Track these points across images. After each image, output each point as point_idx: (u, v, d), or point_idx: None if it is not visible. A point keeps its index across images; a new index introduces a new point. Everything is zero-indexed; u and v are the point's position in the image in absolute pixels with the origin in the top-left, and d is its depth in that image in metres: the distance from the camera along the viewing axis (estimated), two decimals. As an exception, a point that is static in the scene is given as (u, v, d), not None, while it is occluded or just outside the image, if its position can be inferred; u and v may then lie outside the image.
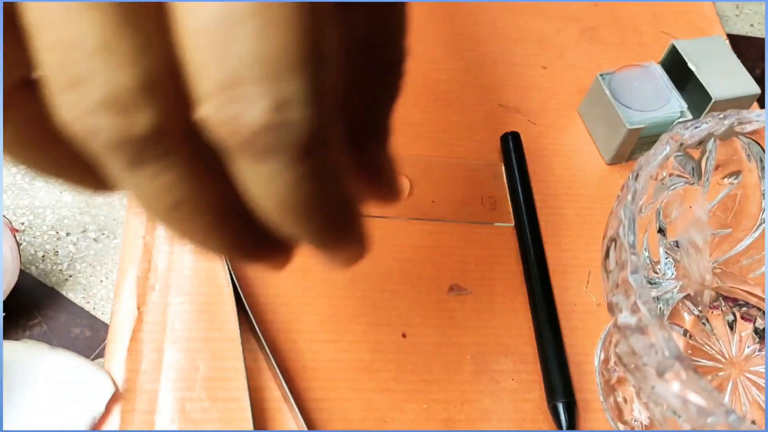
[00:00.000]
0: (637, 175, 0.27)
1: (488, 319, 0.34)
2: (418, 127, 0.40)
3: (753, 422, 0.30)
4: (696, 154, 0.30)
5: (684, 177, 0.31)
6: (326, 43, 0.13)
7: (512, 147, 0.39)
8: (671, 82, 0.40)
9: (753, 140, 0.31)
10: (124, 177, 0.14)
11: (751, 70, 0.51)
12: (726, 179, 0.32)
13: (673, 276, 0.32)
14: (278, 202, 0.15)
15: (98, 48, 0.12)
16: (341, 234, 0.17)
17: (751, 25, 0.54)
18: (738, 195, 0.32)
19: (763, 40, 0.53)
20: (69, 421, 0.29)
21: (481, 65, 0.44)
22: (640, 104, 0.39)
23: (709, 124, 0.29)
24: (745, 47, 0.52)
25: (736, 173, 0.31)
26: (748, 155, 0.31)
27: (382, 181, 0.21)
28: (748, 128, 0.30)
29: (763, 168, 0.32)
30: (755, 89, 0.39)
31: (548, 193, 0.39)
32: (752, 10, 0.55)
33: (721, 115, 0.29)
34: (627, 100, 0.39)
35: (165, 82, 0.13)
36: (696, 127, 0.29)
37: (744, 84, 0.39)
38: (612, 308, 0.26)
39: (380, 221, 0.36)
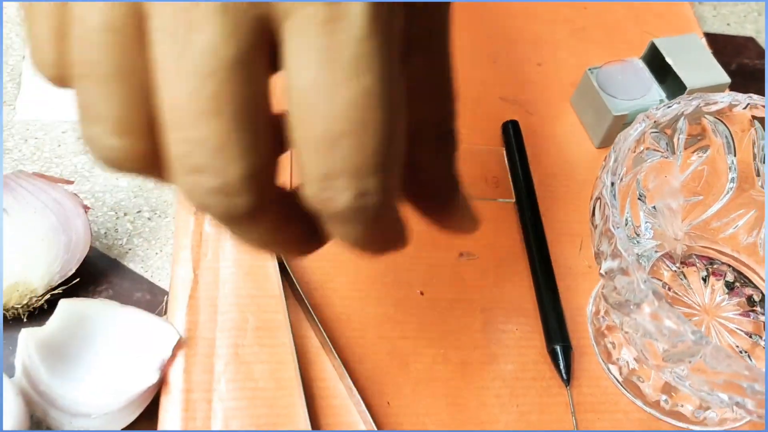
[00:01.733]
0: (618, 147, 0.32)
1: (494, 280, 0.39)
2: (429, 118, 0.45)
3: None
4: (669, 131, 0.36)
5: (659, 151, 0.36)
6: (400, 140, 0.18)
7: (512, 133, 0.44)
8: (652, 75, 0.45)
9: (718, 119, 0.36)
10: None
11: (727, 64, 0.57)
12: (696, 153, 0.37)
13: (651, 236, 0.37)
14: (353, 242, 0.20)
15: (217, 146, 0.17)
16: (390, 245, 0.22)
17: (728, 24, 0.59)
18: (706, 167, 0.37)
19: (737, 37, 0.59)
20: (141, 366, 0.34)
21: (483, 63, 0.49)
22: (624, 94, 0.44)
23: (680, 105, 0.35)
24: (722, 45, 0.57)
25: (705, 148, 0.37)
26: (715, 132, 0.36)
27: (463, 217, 0.28)
28: (714, 108, 0.35)
29: (728, 144, 0.37)
30: (725, 79, 0.44)
31: (545, 174, 0.44)
32: (728, 11, 0.60)
33: (690, 98, 0.35)
34: (613, 91, 0.44)
35: (265, 173, 0.18)
36: (668, 108, 0.34)
37: (715, 75, 0.44)
38: (598, 256, 0.31)
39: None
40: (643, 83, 0.45)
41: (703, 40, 0.53)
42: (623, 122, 0.44)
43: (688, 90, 0.43)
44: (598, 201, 0.31)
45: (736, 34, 0.59)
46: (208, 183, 0.17)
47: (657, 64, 0.45)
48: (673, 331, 0.27)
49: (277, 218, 0.20)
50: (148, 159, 0.18)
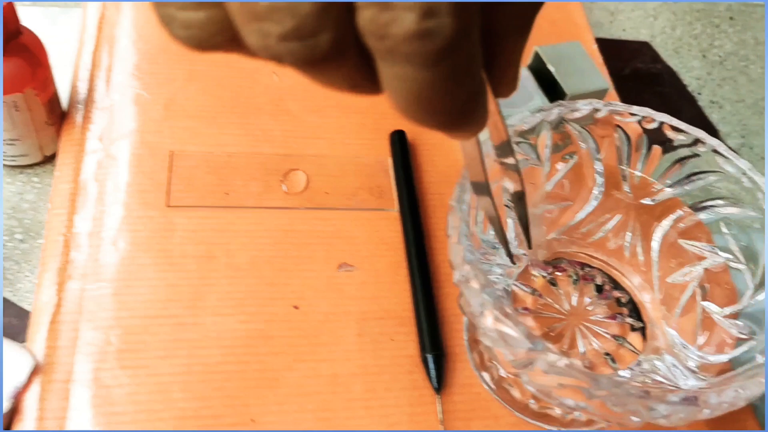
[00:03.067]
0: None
1: (373, 291, 0.39)
2: (316, 130, 0.45)
3: (585, 364, 0.35)
4: (533, 139, 0.36)
5: (527, 158, 0.37)
6: None
7: (398, 143, 0.44)
8: (536, 83, 0.46)
9: (582, 126, 0.36)
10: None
11: (621, 69, 0.57)
12: (563, 160, 0.37)
13: (515, 243, 0.37)
14: (411, 95, 0.16)
15: None
16: (463, 120, 0.18)
17: (624, 30, 0.60)
18: (574, 173, 0.37)
19: (631, 42, 0.60)
20: (-5, 393, 0.33)
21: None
22: (507, 104, 0.45)
23: (542, 113, 0.35)
24: (616, 50, 0.58)
25: (572, 154, 0.37)
26: (580, 139, 0.37)
27: (509, 74, 0.21)
28: (576, 115, 0.36)
29: (593, 150, 0.37)
30: (604, 84, 0.45)
31: (432, 183, 0.44)
32: (625, 17, 0.61)
33: (552, 106, 0.35)
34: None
35: (336, 6, 0.14)
36: (531, 116, 0.34)
37: (594, 81, 0.45)
38: (452, 266, 0.31)
39: (280, 212, 0.41)
40: (526, 91, 0.45)
41: (595, 47, 0.54)
42: (506, 129, 0.44)
43: (568, 97, 0.44)
44: (452, 210, 0.31)
45: (632, 39, 0.60)
46: (275, 29, 0.15)
47: (540, 72, 0.46)
48: (513, 339, 0.27)
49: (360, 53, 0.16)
50: (226, 29, 0.16)
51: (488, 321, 0.28)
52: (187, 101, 0.45)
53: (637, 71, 0.57)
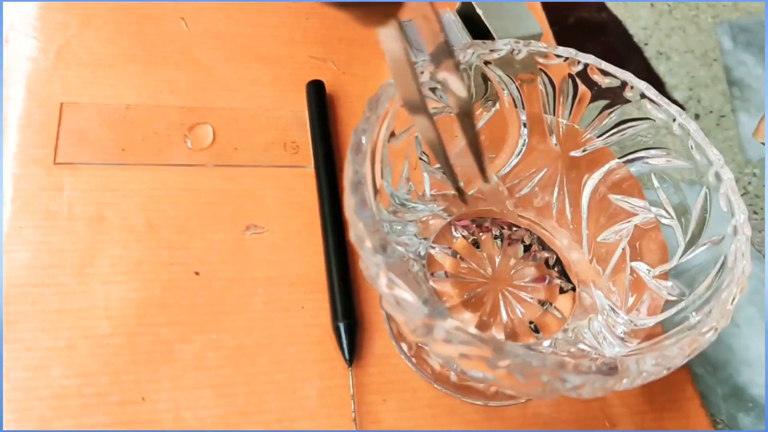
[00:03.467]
0: (377, 101, 0.29)
1: (283, 254, 0.36)
2: (226, 81, 0.41)
3: (507, 332, 0.33)
4: (451, 84, 0.33)
5: (442, 107, 0.33)
6: None
7: (315, 94, 0.41)
8: (465, 29, 0.42)
9: (502, 70, 0.33)
10: None
11: (565, 19, 0.54)
12: (483, 107, 0.34)
13: (434, 200, 0.34)
14: None
15: None
16: None
17: (569, -23, 0.57)
18: (494, 123, 0.34)
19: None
20: None
21: (294, 20, 0.45)
22: (435, 49, 0.41)
23: (457, 54, 0.32)
24: (561, -2, 0.55)
25: (493, 100, 0.34)
26: (500, 83, 0.33)
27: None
28: (495, 56, 0.32)
29: (519, 95, 0.34)
30: (537, 29, 0.41)
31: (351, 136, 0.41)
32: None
33: (466, 45, 0.32)
34: (423, 47, 0.41)
35: None
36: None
37: (527, 25, 0.42)
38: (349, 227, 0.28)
39: (182, 169, 0.37)
40: (453, 37, 0.42)
41: (535, -7, 0.51)
42: (434, 79, 0.41)
43: (497, 42, 0.40)
44: (347, 161, 0.28)
45: (577, -14, 0.56)
46: None
47: (469, 16, 0.42)
48: (408, 304, 0.24)
49: None
50: None
51: (383, 284, 0.25)
52: (82, 48, 0.40)
53: (582, 21, 0.54)
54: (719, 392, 0.38)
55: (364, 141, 0.27)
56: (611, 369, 0.24)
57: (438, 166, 0.34)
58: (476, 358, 0.24)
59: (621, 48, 0.54)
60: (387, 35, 0.25)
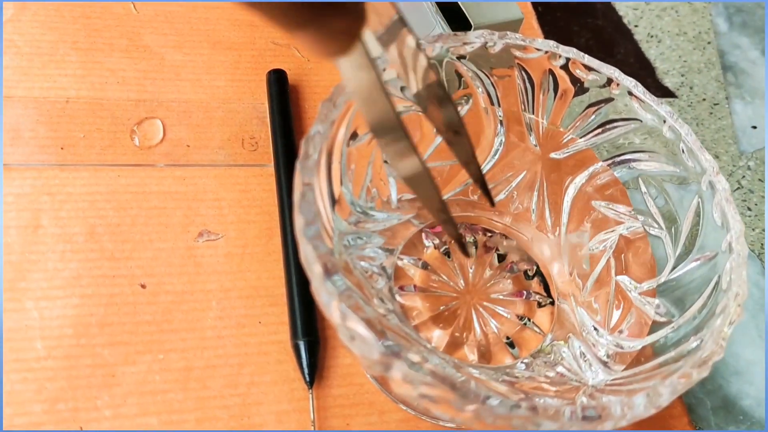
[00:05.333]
0: (334, 102, 0.26)
1: (239, 264, 0.33)
2: (178, 70, 0.38)
3: (482, 350, 0.30)
4: (421, 80, 0.30)
5: (410, 105, 0.30)
6: None
7: (275, 84, 0.37)
8: (440, 13, 0.39)
9: (475, 64, 0.30)
10: None
11: (549, -2, 0.51)
12: (456, 104, 0.31)
13: (398, 207, 0.31)
14: None
15: None
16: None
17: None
18: (469, 122, 0.31)
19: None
20: None
21: (255, 1, 0.42)
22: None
23: (424, 47, 0.28)
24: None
25: (466, 97, 0.31)
26: (474, 79, 0.30)
27: None
28: (467, 50, 0.29)
29: (495, 92, 0.31)
30: (517, 14, 0.38)
31: (320, 132, 0.38)
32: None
33: (434, 37, 0.29)
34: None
35: None
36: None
37: (506, 11, 0.38)
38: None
39: (128, 170, 0.34)
40: (427, 21, 0.38)
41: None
42: (406, 68, 0.38)
43: (474, 28, 0.37)
44: (296, 170, 0.25)
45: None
46: None
47: (445, 2, 0.39)
48: (365, 340, 0.22)
49: None
50: None
51: (335, 316, 0.22)
52: (18, 35, 0.37)
53: (567, 2, 0.51)
54: (708, 405, 0.36)
55: (312, 150, 0.24)
56: (592, 418, 0.21)
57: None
58: (440, 400, 0.22)
59: (609, 30, 0.51)
60: (349, 65, 0.20)
